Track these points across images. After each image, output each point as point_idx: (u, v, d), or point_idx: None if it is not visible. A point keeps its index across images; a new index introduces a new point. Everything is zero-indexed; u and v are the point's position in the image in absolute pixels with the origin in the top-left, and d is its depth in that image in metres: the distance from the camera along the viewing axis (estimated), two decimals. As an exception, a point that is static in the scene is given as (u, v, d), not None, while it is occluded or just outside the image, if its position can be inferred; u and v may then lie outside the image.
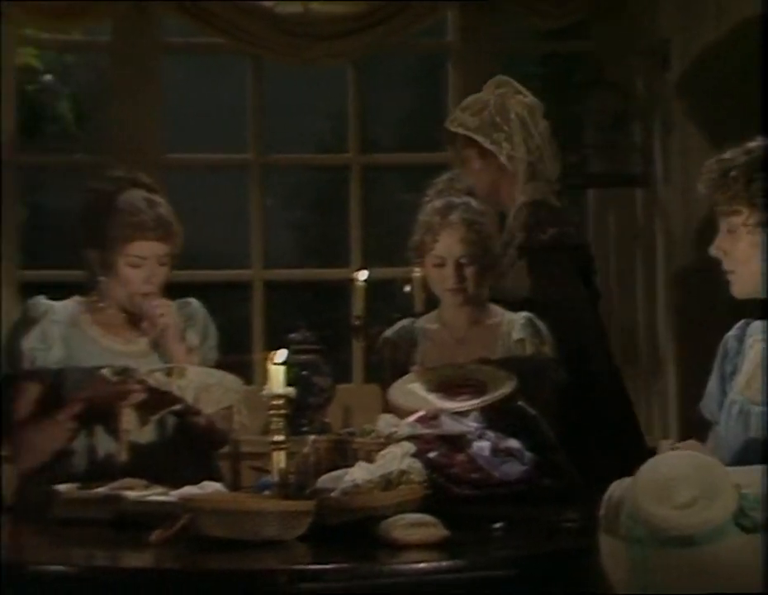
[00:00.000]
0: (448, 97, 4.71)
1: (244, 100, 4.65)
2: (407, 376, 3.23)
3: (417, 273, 3.63)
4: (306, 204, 6.47)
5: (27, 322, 3.19)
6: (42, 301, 3.24)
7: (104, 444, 3.17)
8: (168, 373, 3.09)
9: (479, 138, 3.71)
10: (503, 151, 3.69)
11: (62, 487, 2.89)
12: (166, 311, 3.18)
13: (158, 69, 4.54)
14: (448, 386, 3.16)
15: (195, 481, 2.87)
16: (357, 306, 3.84)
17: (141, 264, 3.17)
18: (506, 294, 3.56)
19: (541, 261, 3.64)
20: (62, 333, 3.20)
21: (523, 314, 3.37)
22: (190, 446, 3.22)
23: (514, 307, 3.44)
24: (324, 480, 2.66)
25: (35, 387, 3.18)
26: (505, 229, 3.72)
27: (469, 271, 3.33)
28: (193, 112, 5.23)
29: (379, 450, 2.71)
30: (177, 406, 3.14)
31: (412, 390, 3.16)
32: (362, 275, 3.87)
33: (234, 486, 3.15)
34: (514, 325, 3.35)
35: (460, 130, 3.74)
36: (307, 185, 6.37)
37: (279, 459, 2.72)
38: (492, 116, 3.71)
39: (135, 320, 3.24)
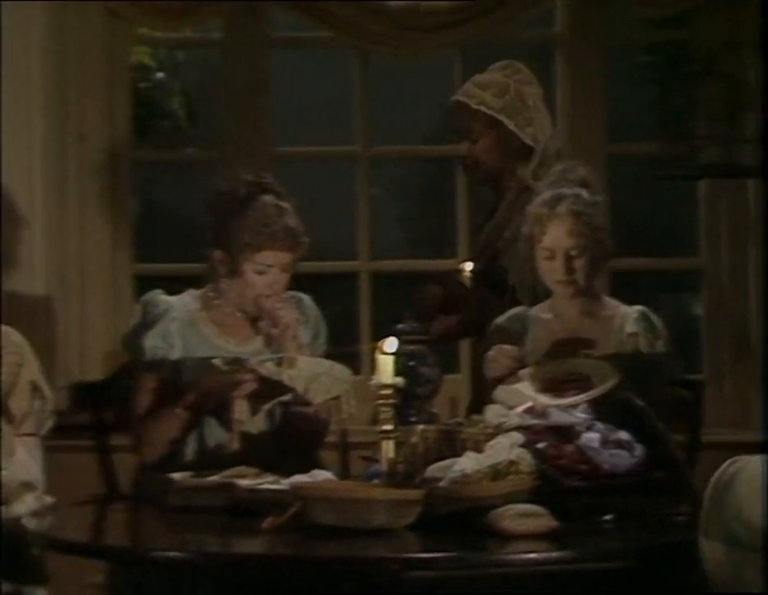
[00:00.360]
0: (555, 87, 4.68)
1: (351, 92, 4.68)
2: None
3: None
4: (413, 195, 6.47)
5: (149, 319, 3.25)
6: (162, 297, 3.29)
7: (215, 433, 3.22)
8: (279, 363, 3.13)
9: (505, 120, 3.75)
10: (527, 136, 3.75)
11: (177, 475, 2.94)
12: (287, 312, 3.22)
13: (268, 63, 4.60)
14: (553, 382, 3.15)
15: (302, 470, 2.91)
16: (465, 296, 3.85)
17: (266, 271, 3.21)
18: (509, 276, 3.66)
19: None
20: (180, 331, 3.25)
21: (638, 308, 3.34)
22: (296, 436, 3.26)
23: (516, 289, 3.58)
24: (433, 470, 2.67)
25: (153, 380, 3.24)
26: (506, 211, 3.74)
27: (579, 263, 3.31)
28: (302, 106, 5.28)
29: (487, 441, 2.72)
30: (288, 396, 3.18)
31: (518, 389, 3.16)
32: (469, 266, 3.88)
33: (344, 475, 3.17)
34: (627, 318, 3.32)
35: (482, 109, 3.76)
36: (414, 176, 6.37)
37: (388, 449, 2.75)
38: (514, 101, 3.76)
39: (251, 319, 3.28)
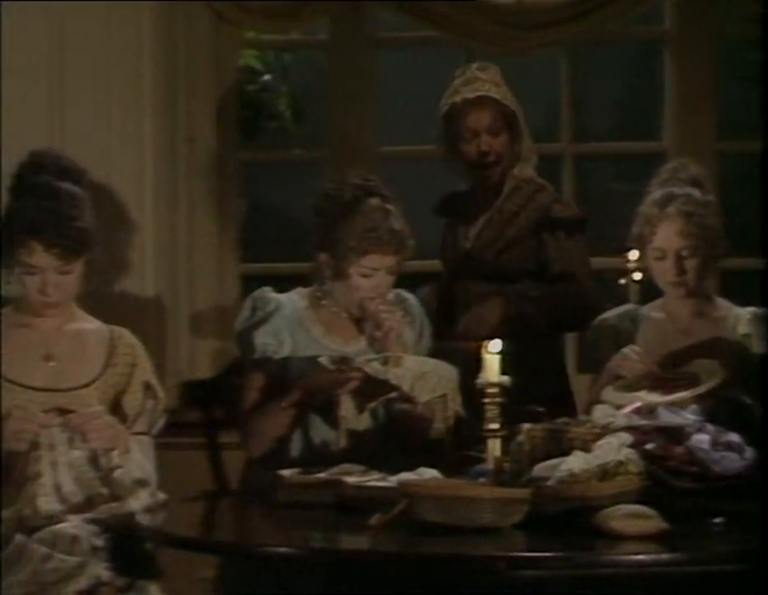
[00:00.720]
0: (663, 85, 4.63)
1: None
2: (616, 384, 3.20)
3: (631, 264, 3.60)
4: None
5: (259, 316, 3.29)
6: (271, 295, 3.33)
7: (321, 431, 3.25)
8: (385, 362, 3.14)
9: (520, 115, 3.76)
10: (523, 128, 3.77)
11: (284, 472, 2.98)
12: (392, 315, 3.24)
13: (373, 63, 4.62)
14: (661, 380, 3.12)
15: (407, 468, 2.92)
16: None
17: (372, 275, 3.23)
18: (510, 268, 3.69)
19: (567, 233, 3.76)
20: (289, 329, 3.28)
21: (750, 309, 3.30)
22: (401, 434, 3.27)
23: (518, 277, 3.64)
24: (540, 468, 2.66)
25: (261, 377, 3.28)
26: (512, 206, 3.74)
27: (690, 264, 3.27)
28: (407, 105, 5.30)
29: (595, 441, 2.70)
30: (393, 395, 3.19)
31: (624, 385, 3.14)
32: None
33: (450, 473, 3.17)
34: (740, 319, 3.28)
35: (507, 103, 3.74)
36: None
37: (494, 447, 2.75)
38: (508, 95, 3.77)
39: (355, 320, 3.30)
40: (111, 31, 4.38)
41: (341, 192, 3.27)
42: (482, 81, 3.77)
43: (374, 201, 3.24)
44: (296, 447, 3.25)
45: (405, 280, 3.50)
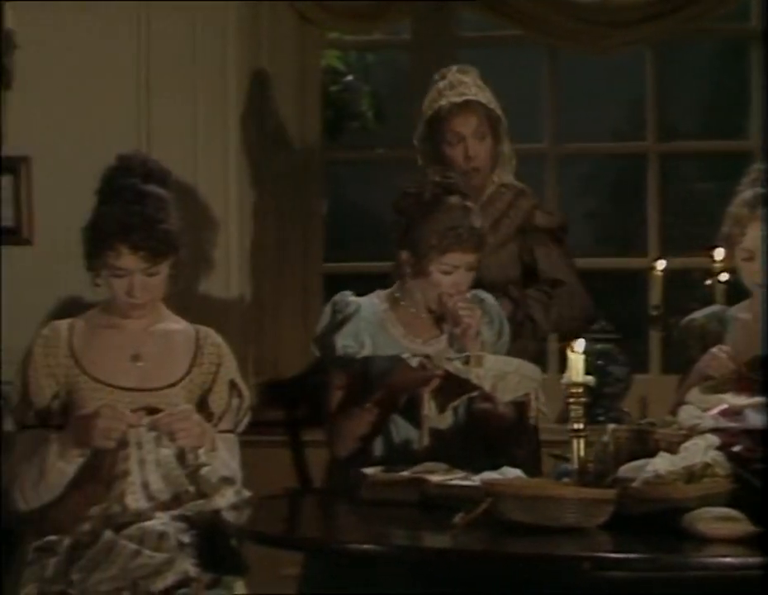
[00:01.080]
0: (750, 83, 4.57)
1: (539, 90, 4.67)
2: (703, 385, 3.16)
3: (716, 264, 3.56)
4: (602, 193, 6.41)
5: (340, 319, 3.31)
6: (351, 298, 3.35)
7: (403, 429, 3.26)
8: (466, 361, 3.13)
9: (499, 113, 3.72)
10: (504, 132, 3.74)
11: (368, 470, 2.99)
12: (471, 312, 3.24)
13: (456, 62, 4.60)
14: (747, 382, 3.07)
15: (490, 467, 2.92)
16: (655, 295, 3.79)
17: (452, 272, 3.24)
18: (492, 274, 3.61)
19: (553, 240, 3.75)
20: (370, 331, 3.30)
21: None
22: (483, 433, 3.26)
23: (501, 286, 3.59)
24: (626, 469, 2.64)
25: (344, 378, 3.29)
26: (484, 207, 3.65)
27: (780, 266, 3.23)
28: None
29: (681, 442, 2.68)
30: (475, 394, 3.19)
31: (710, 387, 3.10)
32: (661, 264, 3.82)
33: (533, 473, 3.16)
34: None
35: (493, 107, 3.70)
36: (603, 173, 6.31)
37: (578, 447, 2.73)
38: (492, 98, 3.73)
39: (435, 320, 3.31)
40: (197, 33, 4.43)
41: (422, 190, 3.28)
42: (467, 85, 3.74)
43: (454, 199, 3.25)
44: (378, 446, 3.26)
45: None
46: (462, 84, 3.73)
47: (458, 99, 3.71)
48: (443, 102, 3.72)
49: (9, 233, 4.41)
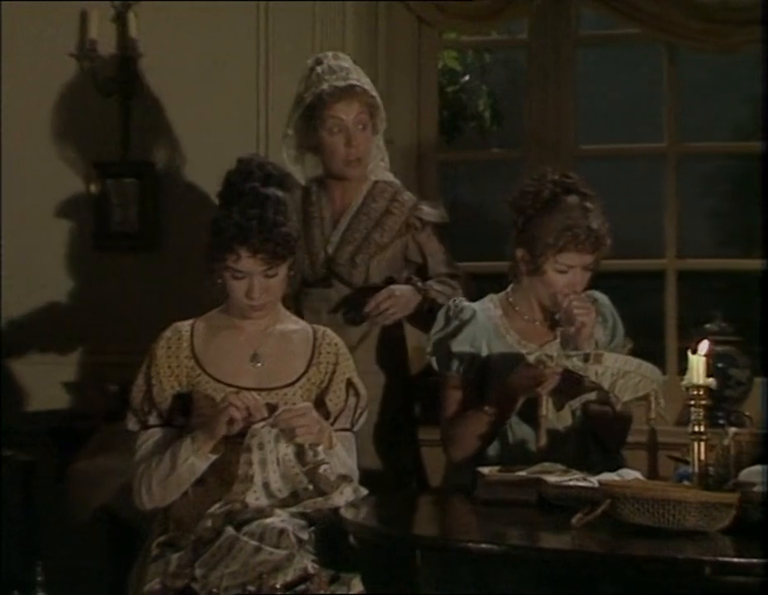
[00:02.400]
0: None
1: (658, 88, 4.61)
2: None
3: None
4: (722, 192, 6.32)
5: (455, 325, 3.32)
6: (465, 304, 3.36)
7: (519, 429, 3.25)
8: (585, 358, 3.11)
9: (380, 102, 3.59)
10: (382, 124, 3.62)
11: (484, 469, 3.00)
12: (586, 311, 3.22)
13: (573, 61, 4.58)
14: None
15: (608, 468, 2.90)
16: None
17: (567, 271, 3.23)
18: (381, 272, 3.55)
19: (439, 234, 3.65)
20: (486, 338, 3.30)
21: None
22: (598, 433, 3.24)
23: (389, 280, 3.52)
24: (747, 474, 2.60)
25: (460, 384, 3.30)
26: (364, 203, 3.58)
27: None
28: (608, 103, 5.24)
29: (805, 446, 2.63)
30: (593, 393, 3.17)
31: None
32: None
33: (652, 475, 3.13)
34: None
35: (375, 95, 3.58)
36: (724, 172, 6.22)
37: (699, 450, 2.70)
38: (372, 86, 3.60)
39: (550, 326, 3.30)
40: (315, 34, 4.46)
41: (540, 188, 3.27)
42: (348, 70, 3.59)
43: (573, 198, 3.23)
44: (494, 446, 3.26)
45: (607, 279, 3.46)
46: (343, 69, 3.57)
47: (342, 83, 3.53)
48: (325, 86, 3.53)
49: (134, 238, 4.49)
